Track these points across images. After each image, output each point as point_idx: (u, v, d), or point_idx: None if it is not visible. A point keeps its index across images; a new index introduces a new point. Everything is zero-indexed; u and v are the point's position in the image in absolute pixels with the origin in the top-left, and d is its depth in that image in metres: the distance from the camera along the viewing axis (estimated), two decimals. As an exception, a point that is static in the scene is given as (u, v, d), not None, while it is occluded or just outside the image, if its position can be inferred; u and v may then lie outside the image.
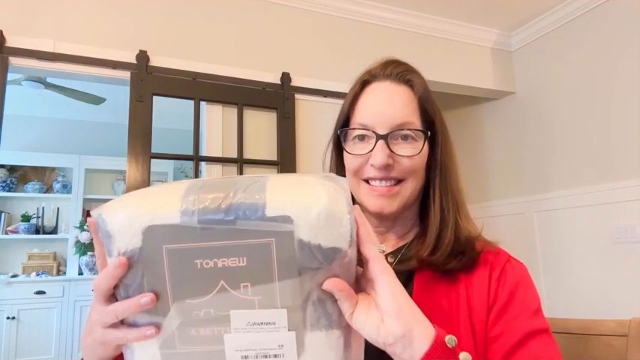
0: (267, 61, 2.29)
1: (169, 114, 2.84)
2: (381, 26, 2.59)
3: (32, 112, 4.05)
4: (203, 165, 2.15)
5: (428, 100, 0.72)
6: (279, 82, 2.28)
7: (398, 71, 0.72)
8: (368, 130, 0.69)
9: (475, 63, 2.84)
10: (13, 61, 1.86)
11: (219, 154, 2.16)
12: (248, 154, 2.19)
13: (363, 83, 0.74)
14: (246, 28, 2.30)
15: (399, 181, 0.70)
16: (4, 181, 3.94)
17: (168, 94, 2.07)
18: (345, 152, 0.73)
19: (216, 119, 2.18)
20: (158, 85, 2.05)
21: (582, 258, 2.47)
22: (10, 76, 1.92)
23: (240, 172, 2.15)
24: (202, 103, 2.15)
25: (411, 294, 0.66)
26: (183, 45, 2.15)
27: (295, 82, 2.30)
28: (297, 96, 2.30)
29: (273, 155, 2.24)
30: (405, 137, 0.69)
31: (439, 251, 0.67)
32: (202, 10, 2.22)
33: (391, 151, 0.68)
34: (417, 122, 0.70)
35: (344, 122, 0.75)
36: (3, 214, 3.89)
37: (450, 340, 0.47)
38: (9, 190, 3.95)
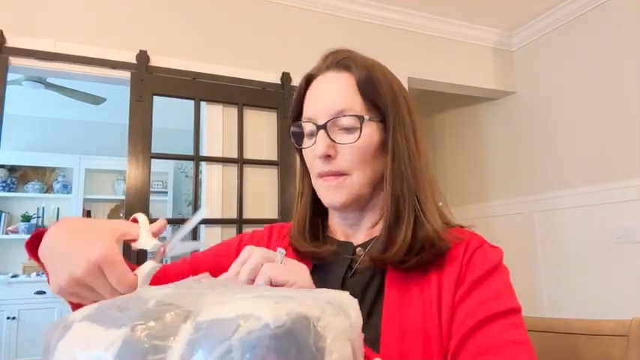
0: (268, 61, 2.29)
1: (169, 114, 2.83)
2: (381, 26, 2.59)
3: (32, 112, 4.05)
4: (203, 165, 2.15)
5: (371, 83, 0.67)
6: (279, 81, 2.28)
7: (337, 59, 0.70)
8: (311, 122, 0.68)
9: (476, 63, 2.84)
10: (13, 61, 1.86)
11: (219, 154, 2.16)
12: (248, 154, 2.19)
13: (308, 79, 0.72)
14: (246, 28, 2.29)
15: (346, 173, 0.67)
16: (5, 181, 3.94)
17: (169, 94, 2.08)
18: (302, 151, 0.72)
19: (217, 119, 2.18)
20: (158, 85, 2.05)
21: (582, 258, 2.47)
22: (10, 76, 1.92)
23: (241, 172, 2.15)
24: (202, 103, 2.15)
25: (382, 288, 0.64)
26: (183, 45, 2.14)
27: (296, 81, 2.29)
28: (297, 96, 2.30)
29: (273, 155, 2.24)
30: (347, 125, 0.66)
31: (393, 247, 0.64)
32: (202, 10, 2.22)
33: (333, 141, 0.66)
34: (357, 108, 0.66)
35: (294, 121, 0.73)
36: (3, 214, 3.89)
37: None
38: (9, 190, 3.95)
